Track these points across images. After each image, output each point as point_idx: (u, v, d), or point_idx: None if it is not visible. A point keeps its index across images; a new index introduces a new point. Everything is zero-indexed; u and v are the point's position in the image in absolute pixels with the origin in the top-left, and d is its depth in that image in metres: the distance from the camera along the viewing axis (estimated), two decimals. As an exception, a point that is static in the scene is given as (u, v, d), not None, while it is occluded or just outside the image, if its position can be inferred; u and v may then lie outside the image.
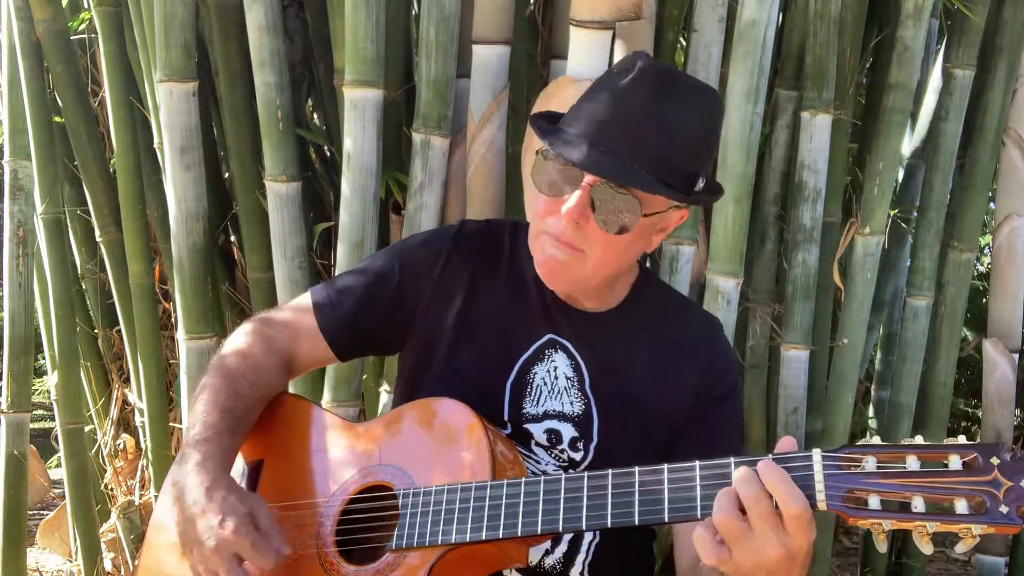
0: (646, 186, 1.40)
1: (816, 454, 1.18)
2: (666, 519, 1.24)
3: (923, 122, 3.14)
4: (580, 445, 1.54)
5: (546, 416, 1.54)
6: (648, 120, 1.40)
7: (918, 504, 1.13)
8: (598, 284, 1.55)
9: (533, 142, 2.19)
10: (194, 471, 1.43)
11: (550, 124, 1.51)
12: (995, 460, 1.12)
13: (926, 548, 1.14)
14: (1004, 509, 1.09)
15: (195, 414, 1.53)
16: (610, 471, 1.29)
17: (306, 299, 1.68)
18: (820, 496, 1.16)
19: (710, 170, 1.53)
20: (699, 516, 1.22)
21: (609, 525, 1.26)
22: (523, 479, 1.33)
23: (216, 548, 1.36)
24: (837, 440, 2.66)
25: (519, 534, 1.31)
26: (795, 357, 2.66)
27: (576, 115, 1.46)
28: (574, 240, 1.44)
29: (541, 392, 1.55)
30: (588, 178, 1.41)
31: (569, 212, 1.41)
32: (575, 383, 1.56)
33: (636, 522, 1.24)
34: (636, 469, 1.27)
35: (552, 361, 1.57)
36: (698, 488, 1.22)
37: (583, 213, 1.41)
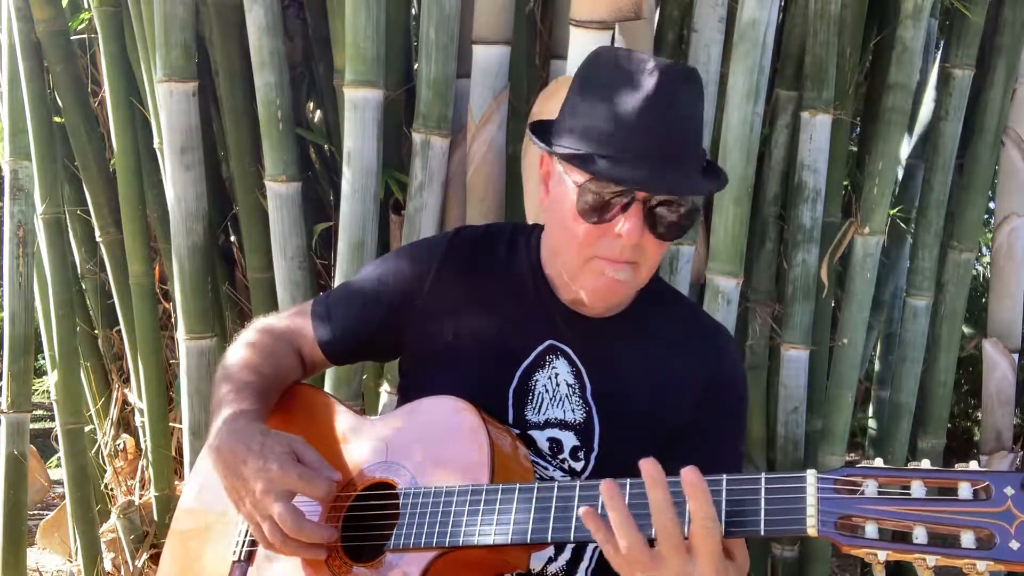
0: (703, 187, 1.42)
1: (810, 475, 1.12)
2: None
3: (923, 122, 3.14)
4: (581, 455, 1.51)
5: (547, 424, 1.52)
6: (685, 120, 1.39)
7: (919, 534, 1.04)
8: (639, 288, 1.53)
9: (533, 145, 2.19)
10: (228, 435, 1.44)
11: (548, 133, 1.47)
12: (1009, 490, 1.02)
13: None
14: (1015, 545, 1.00)
15: (217, 398, 1.55)
16: (601, 481, 1.25)
17: (305, 310, 1.70)
18: (811, 521, 1.09)
19: None
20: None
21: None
22: (517, 485, 1.31)
23: (265, 490, 1.37)
24: (837, 440, 2.66)
25: (509, 541, 1.29)
26: (795, 357, 2.66)
27: (607, 133, 1.38)
28: (632, 256, 1.42)
29: (543, 400, 1.52)
30: (641, 196, 1.38)
31: (630, 233, 1.38)
32: (576, 390, 1.53)
33: None
34: (628, 481, 1.24)
35: (553, 368, 1.54)
36: (687, 506, 1.18)
37: (642, 232, 1.39)
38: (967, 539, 1.02)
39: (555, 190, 1.47)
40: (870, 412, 3.49)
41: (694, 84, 1.42)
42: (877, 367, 3.51)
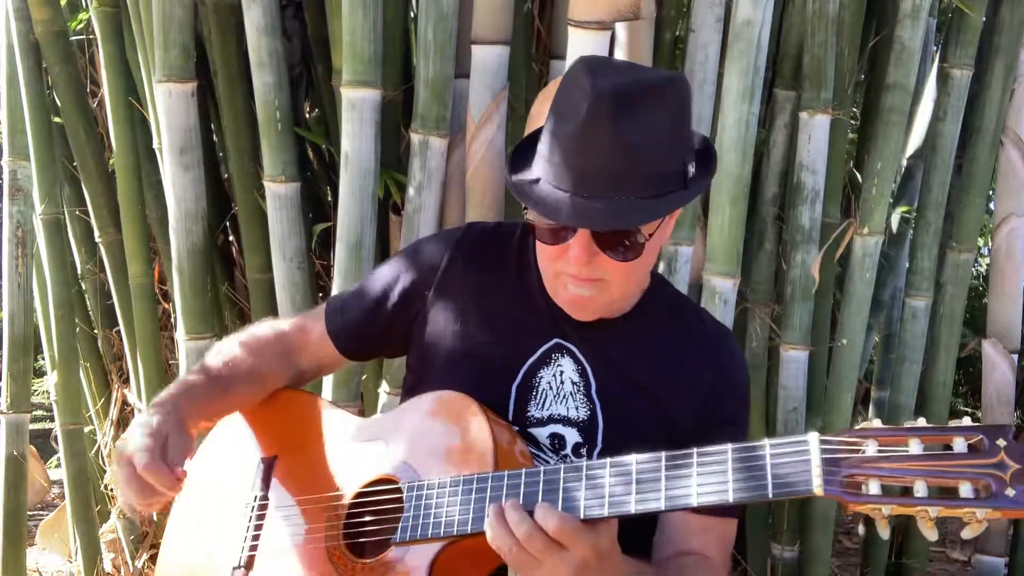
0: (642, 217, 1.39)
1: (813, 438, 1.16)
2: (663, 507, 1.23)
3: (921, 122, 3.13)
4: (583, 451, 1.53)
5: (551, 420, 1.54)
6: (622, 147, 1.35)
7: (920, 488, 1.09)
8: (626, 299, 1.56)
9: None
10: (150, 409, 1.52)
11: (523, 162, 1.48)
12: (1001, 442, 1.08)
13: (931, 534, 1.11)
14: (1011, 492, 1.06)
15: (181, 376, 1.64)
16: (608, 460, 1.28)
17: (320, 307, 1.74)
18: (817, 481, 1.13)
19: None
20: (694, 503, 1.21)
21: (607, 514, 1.25)
22: (523, 470, 1.33)
23: (120, 457, 1.44)
24: (836, 440, 2.66)
25: None
26: (794, 357, 2.66)
27: (548, 160, 1.41)
28: (592, 274, 1.44)
29: (546, 396, 1.54)
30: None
31: (577, 259, 1.41)
32: (581, 388, 1.54)
33: (632, 511, 1.24)
34: (634, 457, 1.27)
35: (558, 365, 1.56)
36: (694, 477, 1.22)
37: (591, 253, 1.41)
38: (965, 490, 1.08)
39: None
40: (870, 412, 3.48)
41: (646, 101, 1.36)
42: (876, 368, 3.51)
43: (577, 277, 1.45)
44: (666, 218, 1.48)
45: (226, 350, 1.68)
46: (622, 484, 1.26)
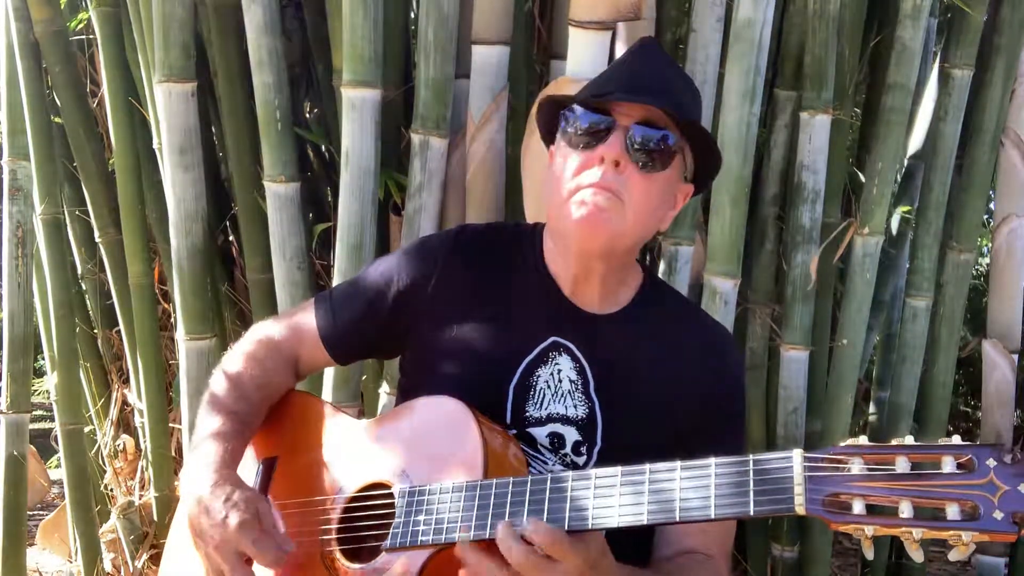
0: (682, 108, 1.49)
1: (796, 455, 1.14)
2: (645, 520, 1.22)
3: (922, 122, 3.13)
4: (583, 449, 1.53)
5: (549, 419, 1.53)
6: (662, 70, 1.55)
7: (905, 509, 1.07)
8: (625, 252, 1.55)
9: (532, 141, 2.19)
10: (201, 472, 1.48)
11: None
12: (991, 462, 1.05)
13: (917, 556, 1.09)
14: (998, 515, 1.03)
15: (201, 417, 1.58)
16: (593, 471, 1.28)
17: (308, 308, 1.71)
18: (799, 499, 1.11)
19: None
20: (677, 519, 1.20)
21: (590, 527, 1.25)
22: (511, 478, 1.32)
23: (219, 545, 1.41)
24: (836, 441, 2.65)
25: None
26: (794, 358, 2.66)
27: (593, 81, 1.60)
28: (613, 184, 1.45)
29: (544, 395, 1.54)
30: (623, 120, 1.46)
31: (610, 148, 1.45)
32: (579, 386, 1.54)
33: (615, 525, 1.23)
34: (620, 469, 1.26)
35: (556, 364, 1.55)
36: (677, 492, 1.21)
37: (622, 155, 1.45)
38: (952, 511, 1.06)
39: (553, 156, 1.57)
40: (870, 413, 3.48)
41: (685, 74, 1.66)
42: (877, 368, 3.51)
43: (598, 185, 1.45)
44: (679, 175, 1.55)
45: (236, 381, 1.63)
46: (606, 497, 1.25)
